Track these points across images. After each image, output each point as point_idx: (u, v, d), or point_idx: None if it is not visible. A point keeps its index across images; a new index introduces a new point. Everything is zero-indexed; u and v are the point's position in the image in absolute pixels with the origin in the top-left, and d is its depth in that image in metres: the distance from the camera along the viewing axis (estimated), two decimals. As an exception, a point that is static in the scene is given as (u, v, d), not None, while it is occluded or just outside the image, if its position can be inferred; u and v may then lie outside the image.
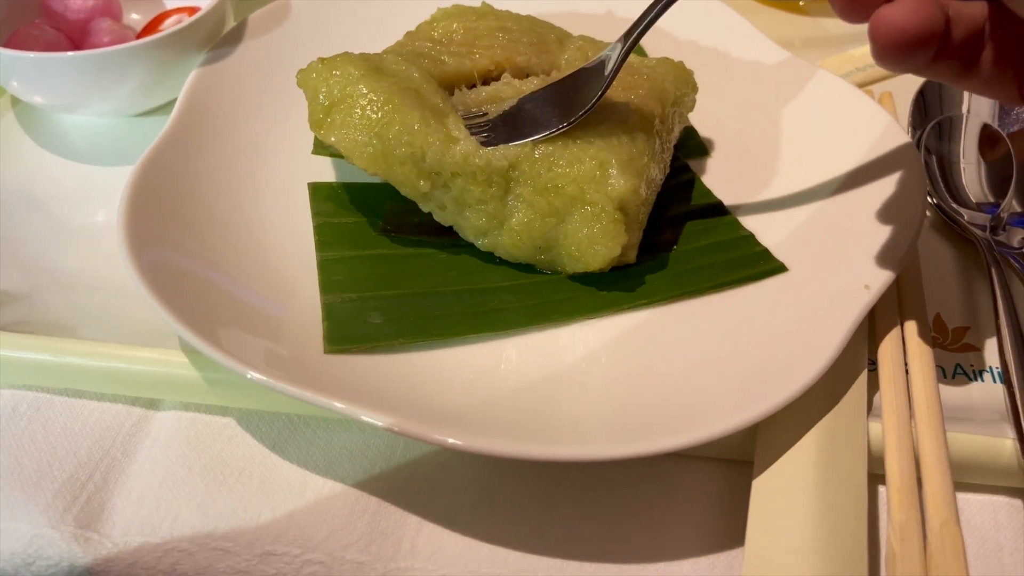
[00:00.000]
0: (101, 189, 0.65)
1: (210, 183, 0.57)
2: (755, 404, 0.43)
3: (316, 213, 0.56)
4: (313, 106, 0.54)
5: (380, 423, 0.41)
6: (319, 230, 0.55)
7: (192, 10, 0.72)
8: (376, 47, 0.62)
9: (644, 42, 0.72)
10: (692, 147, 0.64)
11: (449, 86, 0.56)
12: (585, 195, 0.49)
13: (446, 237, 0.55)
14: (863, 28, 0.83)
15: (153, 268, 0.48)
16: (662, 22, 0.72)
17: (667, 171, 0.57)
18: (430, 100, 0.52)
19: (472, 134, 0.52)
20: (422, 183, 0.52)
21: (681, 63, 0.60)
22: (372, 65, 0.53)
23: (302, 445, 0.49)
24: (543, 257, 0.53)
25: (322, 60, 0.54)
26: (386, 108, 0.51)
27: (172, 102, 0.64)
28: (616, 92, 0.56)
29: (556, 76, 0.57)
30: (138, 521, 0.45)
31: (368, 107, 0.51)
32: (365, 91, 0.52)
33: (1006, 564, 0.44)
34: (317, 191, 0.57)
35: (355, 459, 0.48)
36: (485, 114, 0.54)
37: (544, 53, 0.59)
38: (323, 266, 0.53)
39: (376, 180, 0.54)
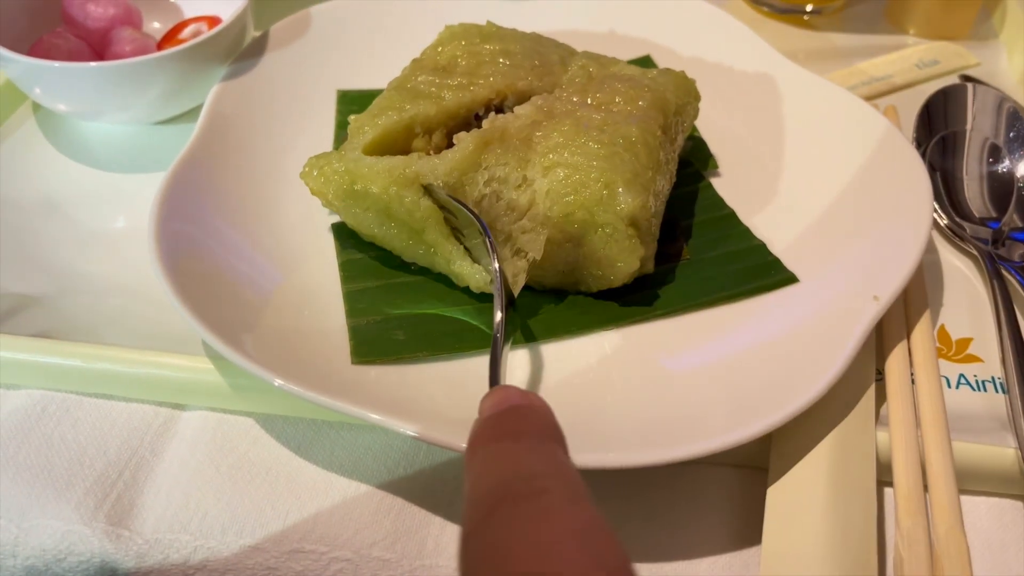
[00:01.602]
0: (121, 195, 0.65)
1: (235, 194, 0.58)
2: (769, 414, 0.44)
3: (340, 251, 0.58)
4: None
5: (410, 432, 0.43)
6: (344, 267, 0.56)
7: (212, 19, 0.73)
8: (393, 57, 0.64)
9: (652, 54, 0.74)
10: (703, 157, 0.65)
11: (447, 123, 0.58)
12: (596, 218, 0.51)
13: None
14: (868, 42, 0.85)
15: (182, 276, 0.49)
16: (671, 36, 0.74)
17: (674, 180, 0.59)
18: (406, 218, 0.53)
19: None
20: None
21: (683, 73, 0.62)
22: (350, 182, 0.53)
23: (326, 446, 0.50)
24: (570, 281, 0.54)
25: (314, 190, 0.55)
26: (379, 227, 0.55)
27: (192, 111, 0.65)
28: (617, 105, 0.57)
29: (558, 94, 0.58)
30: (168, 518, 0.46)
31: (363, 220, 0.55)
32: (350, 217, 0.56)
33: (1012, 564, 0.45)
34: (340, 231, 0.59)
35: (379, 460, 0.49)
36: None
37: (547, 75, 0.60)
38: (348, 296, 0.54)
39: None
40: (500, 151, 0.53)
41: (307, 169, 0.55)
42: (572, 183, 0.51)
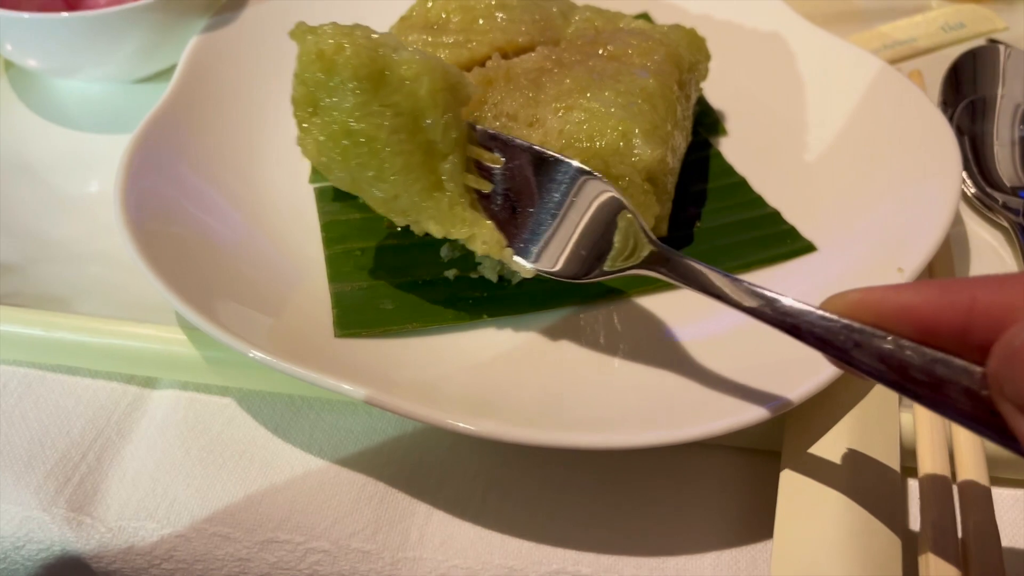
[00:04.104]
0: (96, 157, 0.63)
1: (211, 152, 0.55)
2: (784, 392, 0.41)
3: (323, 212, 0.54)
4: (298, 84, 0.44)
5: (390, 407, 0.40)
6: (326, 227, 0.53)
7: (193, -28, 0.69)
8: (381, 11, 0.60)
9: (656, 10, 0.70)
10: (710, 123, 0.62)
11: None
12: (610, 169, 0.47)
13: None
14: (890, 3, 0.81)
15: (151, 239, 0.46)
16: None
17: (690, 139, 0.56)
18: (429, 139, 0.43)
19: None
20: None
21: (693, 30, 0.58)
22: (377, 69, 0.42)
23: (306, 428, 0.47)
24: None
25: (321, 51, 0.42)
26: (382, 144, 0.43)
27: (170, 69, 0.63)
28: (632, 58, 0.53)
29: (565, 46, 0.54)
30: (133, 504, 0.43)
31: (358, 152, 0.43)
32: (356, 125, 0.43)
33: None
34: (323, 193, 0.55)
35: (361, 443, 0.46)
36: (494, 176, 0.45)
37: (548, 30, 0.57)
38: (331, 260, 0.51)
39: None
40: (505, 91, 0.50)
41: (319, 35, 0.42)
42: (586, 130, 0.48)
